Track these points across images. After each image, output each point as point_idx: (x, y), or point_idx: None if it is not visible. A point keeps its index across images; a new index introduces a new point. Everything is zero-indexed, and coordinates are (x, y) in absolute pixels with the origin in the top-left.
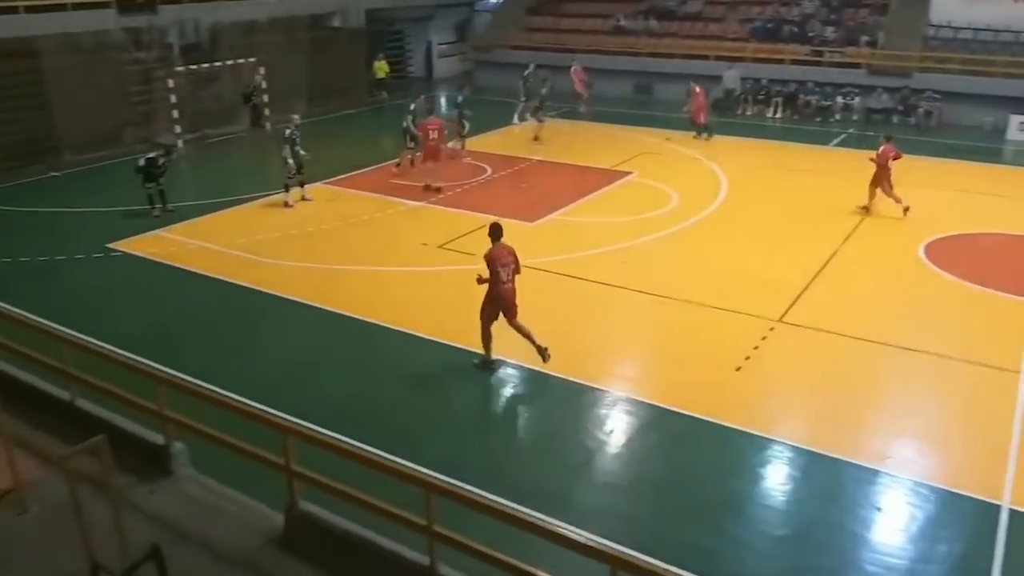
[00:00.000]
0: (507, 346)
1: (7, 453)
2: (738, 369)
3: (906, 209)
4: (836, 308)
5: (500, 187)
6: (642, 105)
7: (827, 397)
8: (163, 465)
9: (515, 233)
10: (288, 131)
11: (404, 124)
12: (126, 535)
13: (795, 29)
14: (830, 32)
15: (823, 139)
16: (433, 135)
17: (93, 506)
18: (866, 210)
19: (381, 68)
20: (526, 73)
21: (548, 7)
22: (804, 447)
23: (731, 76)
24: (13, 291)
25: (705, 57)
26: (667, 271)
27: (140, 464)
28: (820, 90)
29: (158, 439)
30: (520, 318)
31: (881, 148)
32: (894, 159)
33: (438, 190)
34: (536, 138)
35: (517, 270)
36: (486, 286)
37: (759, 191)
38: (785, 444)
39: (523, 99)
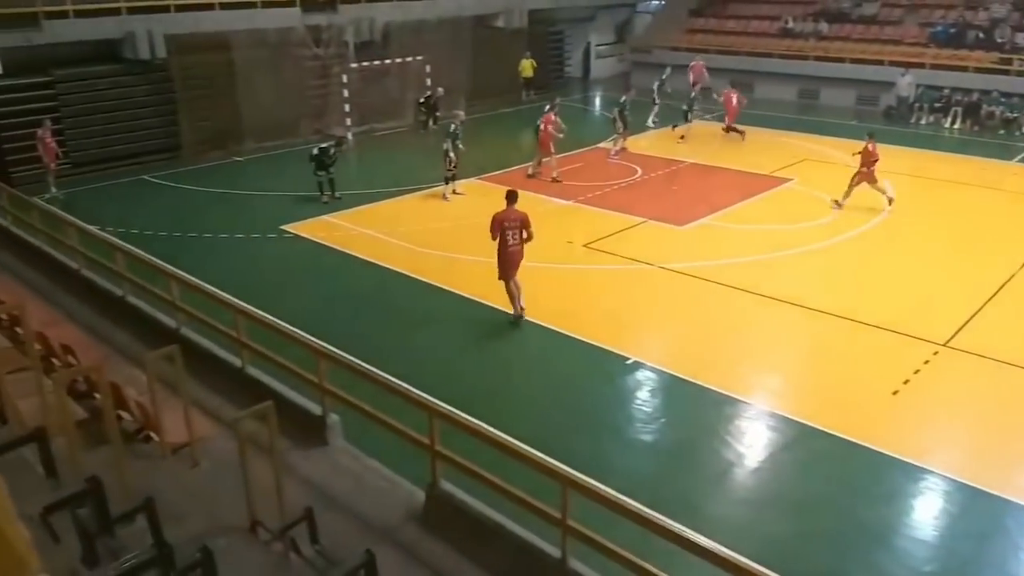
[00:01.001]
0: (648, 350)
1: (186, 411)
2: (895, 393)
3: (838, 202)
4: (1009, 336)
5: (650, 188)
6: (807, 110)
7: (993, 429)
8: (319, 434)
9: (663, 236)
10: (452, 127)
11: (537, 124)
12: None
13: (981, 35)
14: (1021, 39)
15: (1006, 154)
16: (541, 127)
17: (255, 466)
18: (843, 200)
19: (528, 67)
20: (663, 76)
21: (712, 9)
22: (963, 481)
23: (905, 83)
24: (197, 263)
25: (879, 62)
26: (823, 284)
27: (298, 431)
28: (1006, 101)
29: (316, 409)
30: (655, 319)
31: (870, 146)
32: (874, 161)
33: (551, 178)
34: (682, 137)
35: (528, 236)
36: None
37: (929, 206)
38: (941, 476)
39: (657, 102)
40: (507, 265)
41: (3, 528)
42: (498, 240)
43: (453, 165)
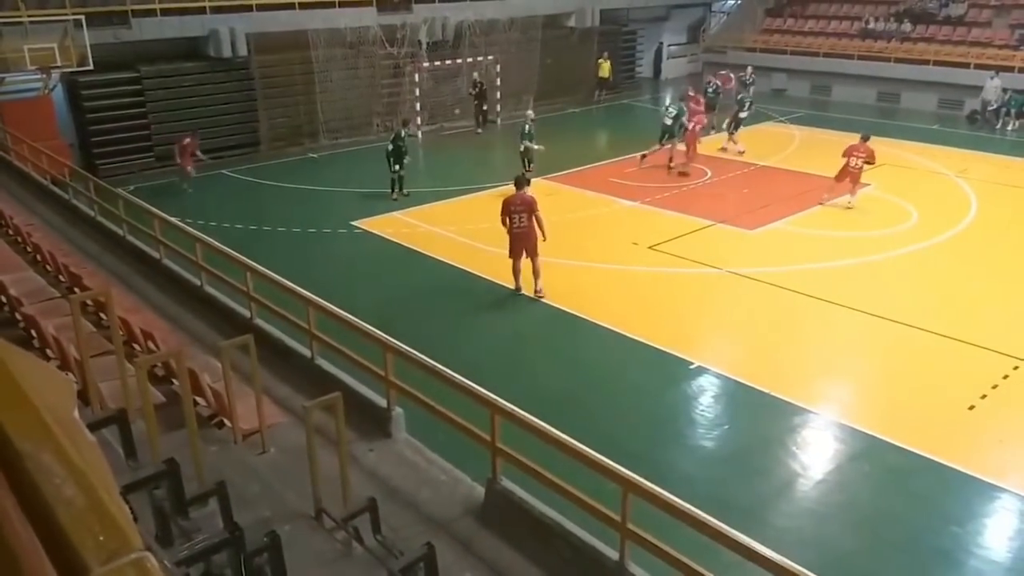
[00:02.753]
0: (713, 355)
1: (257, 399)
2: (971, 408)
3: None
4: None
5: (719, 191)
6: (886, 114)
7: None
8: (383, 427)
9: (732, 240)
10: (527, 127)
11: (667, 122)
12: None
13: None
14: None
15: None
16: (691, 126)
17: (321, 454)
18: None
19: (604, 67)
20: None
21: (790, 8)
22: None
23: (993, 86)
24: (270, 255)
25: (965, 65)
26: (898, 293)
27: (363, 422)
28: None
29: (381, 402)
30: (721, 324)
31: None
32: (866, 161)
33: (685, 175)
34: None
35: (536, 218)
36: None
37: (1014, 215)
38: (1018, 496)
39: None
40: (516, 244)
41: (106, 503)
42: (507, 222)
43: (530, 165)
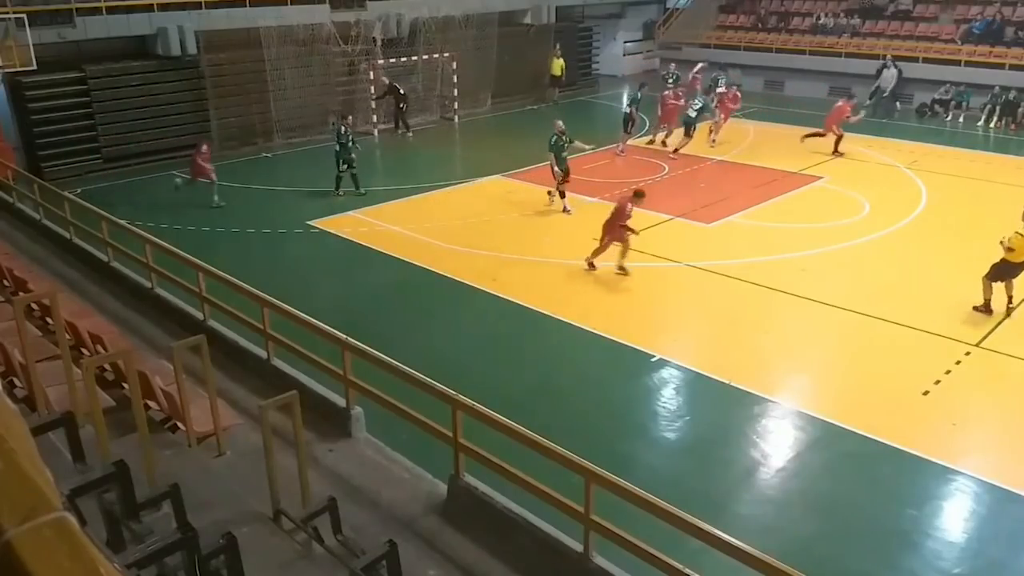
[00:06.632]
0: (674, 347)
1: (212, 401)
2: (925, 393)
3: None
4: None
5: (676, 186)
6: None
7: None
8: (343, 426)
9: (690, 234)
10: (556, 138)
11: (691, 114)
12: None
13: (1021, 32)
14: None
15: None
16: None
17: (280, 456)
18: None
19: (558, 65)
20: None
21: (744, 5)
22: (994, 483)
23: (890, 75)
24: (224, 257)
25: (914, 59)
26: (852, 283)
27: (323, 423)
28: None
29: (340, 402)
30: (681, 317)
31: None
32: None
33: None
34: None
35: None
36: None
37: (964, 205)
38: (972, 478)
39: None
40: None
41: (23, 465)
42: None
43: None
